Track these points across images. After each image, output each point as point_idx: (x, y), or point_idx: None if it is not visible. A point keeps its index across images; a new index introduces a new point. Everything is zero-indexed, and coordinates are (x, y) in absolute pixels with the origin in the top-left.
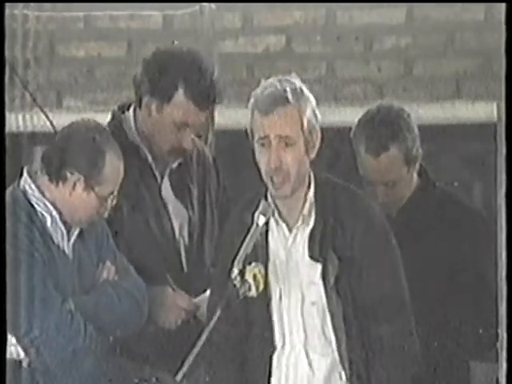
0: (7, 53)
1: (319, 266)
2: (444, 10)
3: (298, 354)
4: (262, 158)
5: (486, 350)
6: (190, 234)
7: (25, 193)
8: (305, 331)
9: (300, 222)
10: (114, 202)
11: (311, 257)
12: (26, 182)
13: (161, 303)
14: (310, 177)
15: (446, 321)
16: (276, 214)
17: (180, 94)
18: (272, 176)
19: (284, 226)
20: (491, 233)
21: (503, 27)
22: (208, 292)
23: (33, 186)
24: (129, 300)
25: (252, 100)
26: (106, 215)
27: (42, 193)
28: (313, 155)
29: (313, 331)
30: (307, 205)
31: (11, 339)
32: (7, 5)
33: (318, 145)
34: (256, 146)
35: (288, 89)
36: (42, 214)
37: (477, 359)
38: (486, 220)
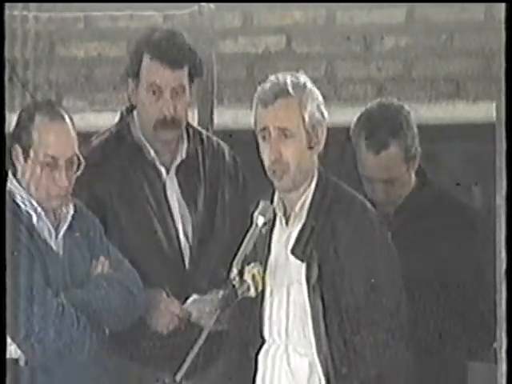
0: (7, 53)
1: (303, 265)
2: (444, 10)
3: (280, 352)
4: (264, 151)
5: (485, 351)
6: (194, 234)
7: (10, 193)
8: (287, 329)
9: (293, 219)
10: (76, 171)
11: (294, 254)
12: (11, 182)
13: (154, 307)
14: (313, 175)
15: (443, 320)
16: (281, 209)
17: (146, 59)
18: (273, 169)
19: (283, 221)
20: (490, 232)
21: (503, 27)
22: (194, 296)
23: (17, 185)
24: (123, 291)
25: (256, 94)
26: (70, 190)
27: (26, 189)
28: (317, 151)
29: (294, 330)
30: (300, 202)
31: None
32: (7, 5)
33: (323, 141)
34: (259, 139)
35: (289, 81)
36: (28, 212)
37: (475, 360)
38: (484, 219)
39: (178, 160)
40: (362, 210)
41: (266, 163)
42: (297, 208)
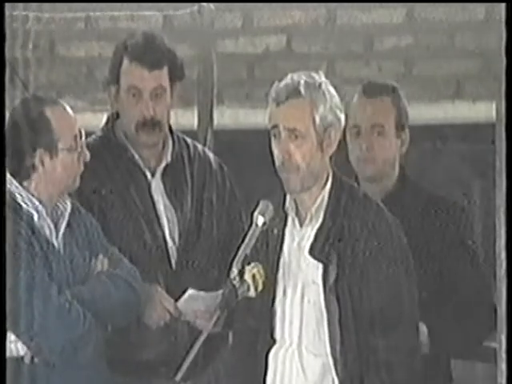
0: (7, 53)
1: (321, 266)
2: (444, 10)
3: (293, 351)
4: (274, 150)
5: (473, 349)
6: (181, 234)
7: (10, 193)
8: (301, 329)
9: (309, 219)
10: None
11: (311, 255)
12: (10, 182)
13: (147, 299)
14: (327, 175)
15: (428, 314)
16: (293, 210)
17: (125, 62)
18: (282, 169)
19: (297, 221)
20: (470, 225)
21: (503, 27)
22: (190, 291)
23: (17, 185)
24: (125, 286)
25: (270, 91)
26: (82, 168)
27: (27, 189)
28: (329, 153)
29: (308, 330)
30: (317, 203)
31: (10, 336)
32: (7, 5)
33: (335, 143)
34: (271, 136)
35: (302, 82)
36: (29, 211)
37: (461, 358)
38: (466, 212)
39: (164, 163)
40: (377, 212)
41: (276, 162)
42: (313, 209)
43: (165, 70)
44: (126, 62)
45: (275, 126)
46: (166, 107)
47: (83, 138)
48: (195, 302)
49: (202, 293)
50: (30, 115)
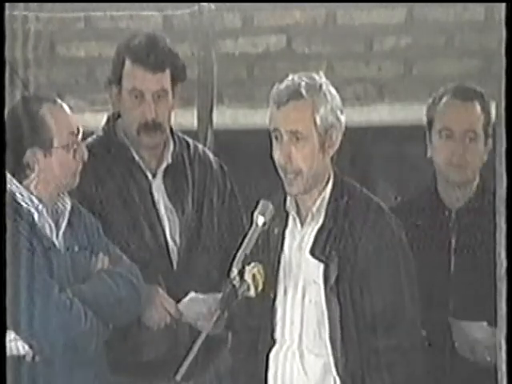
0: (7, 53)
1: (322, 266)
2: (444, 10)
3: (293, 352)
4: (276, 152)
5: None
6: (182, 235)
7: (10, 193)
8: (301, 329)
9: (309, 219)
10: (83, 154)
11: (312, 255)
12: (10, 182)
13: (148, 300)
14: (329, 176)
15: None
16: (294, 209)
17: (127, 64)
18: (284, 171)
19: (298, 221)
20: None
21: (503, 27)
22: (192, 294)
23: (18, 185)
24: (125, 284)
25: (271, 93)
26: (80, 167)
27: (27, 188)
28: (330, 154)
29: (309, 330)
30: (318, 202)
31: (10, 335)
32: (7, 5)
33: (336, 144)
34: (272, 139)
35: (303, 84)
36: (29, 211)
37: None
38: None
39: (164, 164)
40: (378, 212)
41: (277, 164)
42: (314, 209)
43: (167, 72)
44: (128, 63)
45: (276, 129)
46: (167, 109)
47: (80, 135)
48: (197, 305)
49: (203, 295)
50: (26, 114)
